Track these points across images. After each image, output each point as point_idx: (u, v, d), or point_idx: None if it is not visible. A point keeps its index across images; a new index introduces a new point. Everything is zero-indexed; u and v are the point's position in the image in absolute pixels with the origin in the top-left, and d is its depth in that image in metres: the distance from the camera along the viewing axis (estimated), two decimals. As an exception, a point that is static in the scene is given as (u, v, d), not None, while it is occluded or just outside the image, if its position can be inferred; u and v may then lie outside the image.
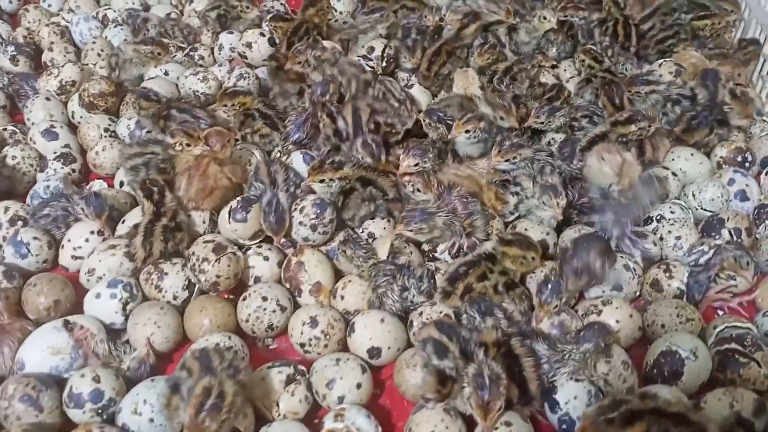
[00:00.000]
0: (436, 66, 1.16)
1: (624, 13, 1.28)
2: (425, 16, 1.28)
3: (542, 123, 1.07)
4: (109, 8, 1.40)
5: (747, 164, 1.04)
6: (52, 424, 0.76)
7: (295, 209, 0.94)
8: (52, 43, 1.32)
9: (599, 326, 0.78)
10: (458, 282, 0.86)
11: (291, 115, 1.06)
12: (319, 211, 0.92)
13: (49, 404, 0.76)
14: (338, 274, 0.92)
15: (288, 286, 0.90)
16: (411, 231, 0.89)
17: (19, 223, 0.97)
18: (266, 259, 0.92)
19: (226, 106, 1.09)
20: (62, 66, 1.21)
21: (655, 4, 1.31)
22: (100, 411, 0.76)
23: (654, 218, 0.96)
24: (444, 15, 1.29)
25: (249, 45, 1.25)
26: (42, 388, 0.77)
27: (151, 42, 1.24)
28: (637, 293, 0.89)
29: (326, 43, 1.21)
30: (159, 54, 1.23)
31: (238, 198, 0.95)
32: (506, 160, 0.97)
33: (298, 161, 1.03)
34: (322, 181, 0.95)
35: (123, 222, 0.97)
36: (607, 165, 0.95)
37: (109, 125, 1.13)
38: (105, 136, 1.12)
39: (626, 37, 1.23)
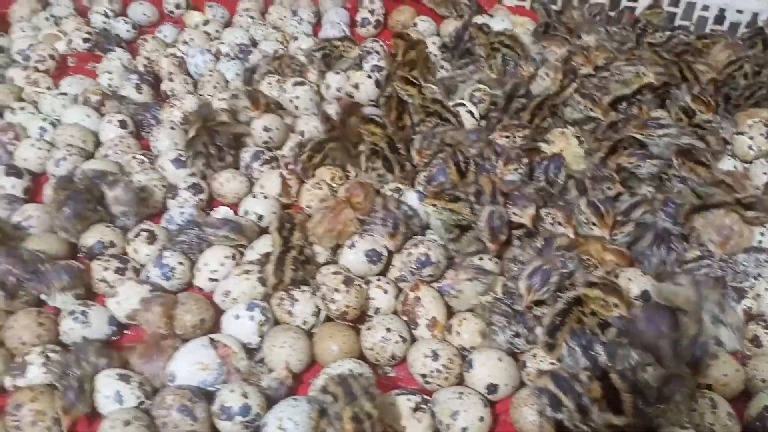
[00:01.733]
0: (539, 119, 1.23)
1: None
2: (521, 67, 1.37)
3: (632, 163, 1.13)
4: (222, 43, 1.51)
5: None
6: (203, 434, 0.84)
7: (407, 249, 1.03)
8: (170, 73, 1.43)
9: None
10: (558, 333, 0.92)
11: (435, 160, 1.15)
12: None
13: (201, 415, 0.84)
14: (449, 311, 1.00)
15: (405, 318, 0.98)
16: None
17: (156, 243, 1.07)
18: (385, 292, 1.00)
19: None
20: (183, 98, 1.32)
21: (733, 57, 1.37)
22: (247, 424, 0.84)
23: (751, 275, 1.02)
24: (539, 67, 1.37)
25: (356, 86, 1.35)
26: (196, 400, 0.85)
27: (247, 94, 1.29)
28: (739, 348, 0.95)
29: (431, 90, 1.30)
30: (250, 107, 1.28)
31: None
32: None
33: (412, 199, 1.11)
34: (434, 205, 1.03)
35: (252, 248, 1.06)
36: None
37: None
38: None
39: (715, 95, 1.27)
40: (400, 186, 1.14)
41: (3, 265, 0.96)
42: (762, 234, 1.05)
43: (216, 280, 1.03)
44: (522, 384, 0.91)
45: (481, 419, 0.85)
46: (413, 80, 1.26)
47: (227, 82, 1.42)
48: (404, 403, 0.85)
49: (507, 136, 1.18)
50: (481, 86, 1.32)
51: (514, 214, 1.01)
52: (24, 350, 0.92)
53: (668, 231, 1.04)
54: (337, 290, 0.96)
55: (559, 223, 1.03)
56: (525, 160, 1.12)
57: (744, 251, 1.02)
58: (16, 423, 0.83)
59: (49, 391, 0.86)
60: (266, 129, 1.25)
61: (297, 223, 1.04)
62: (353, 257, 1.01)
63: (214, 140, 1.19)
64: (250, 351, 0.94)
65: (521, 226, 1.03)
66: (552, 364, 0.90)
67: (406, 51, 1.41)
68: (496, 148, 1.15)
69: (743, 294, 0.98)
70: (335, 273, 0.98)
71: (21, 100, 1.37)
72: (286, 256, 1.00)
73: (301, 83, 1.33)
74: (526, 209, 1.00)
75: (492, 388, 0.89)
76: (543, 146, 1.20)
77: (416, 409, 0.85)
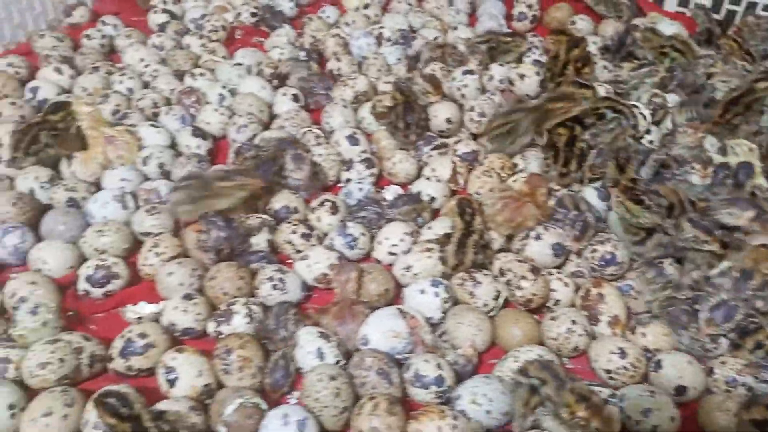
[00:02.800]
0: (730, 115, 1.19)
1: None
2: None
3: None
4: (383, 27, 1.55)
5: None
6: (397, 397, 0.88)
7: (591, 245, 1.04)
8: (335, 53, 1.48)
9: None
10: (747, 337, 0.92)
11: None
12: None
13: (395, 380, 0.88)
14: (629, 310, 1.00)
15: (585, 313, 0.99)
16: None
17: (338, 214, 1.12)
18: (566, 285, 1.01)
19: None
20: (356, 78, 1.37)
21: None
22: (440, 394, 0.87)
23: None
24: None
25: (522, 77, 1.35)
26: (392, 365, 0.89)
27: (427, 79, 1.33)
28: None
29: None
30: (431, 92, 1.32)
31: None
32: None
33: (591, 196, 1.11)
34: (618, 197, 1.04)
35: (429, 228, 1.10)
36: None
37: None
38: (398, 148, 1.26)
39: None
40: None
41: (222, 232, 1.03)
42: None
43: (395, 254, 1.07)
44: (707, 390, 0.91)
45: (672, 419, 0.85)
46: (586, 84, 1.25)
47: (389, 66, 1.46)
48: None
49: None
50: (658, 91, 1.31)
51: (729, 214, 1.00)
52: (225, 300, 0.98)
53: None
54: (524, 278, 0.98)
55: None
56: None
57: None
58: (225, 367, 0.89)
59: (254, 340, 0.92)
60: (449, 120, 1.28)
61: (477, 208, 1.06)
62: (538, 248, 1.03)
63: (406, 115, 1.23)
64: (432, 326, 0.98)
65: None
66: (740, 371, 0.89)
67: (570, 49, 1.40)
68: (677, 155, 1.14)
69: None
70: (521, 261, 1.00)
71: (197, 66, 1.45)
72: (468, 239, 1.02)
73: (470, 72, 1.35)
74: (744, 212, 0.98)
75: (681, 390, 0.89)
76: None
77: (605, 402, 0.86)
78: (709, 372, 0.91)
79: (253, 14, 1.60)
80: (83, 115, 1.17)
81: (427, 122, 1.28)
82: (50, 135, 1.16)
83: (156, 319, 0.97)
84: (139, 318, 0.97)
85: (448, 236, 1.05)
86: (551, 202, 1.09)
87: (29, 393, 0.86)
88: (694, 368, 0.90)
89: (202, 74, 1.40)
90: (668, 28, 1.50)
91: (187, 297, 0.96)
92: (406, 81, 1.32)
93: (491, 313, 1.00)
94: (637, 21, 1.58)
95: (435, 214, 1.15)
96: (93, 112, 1.17)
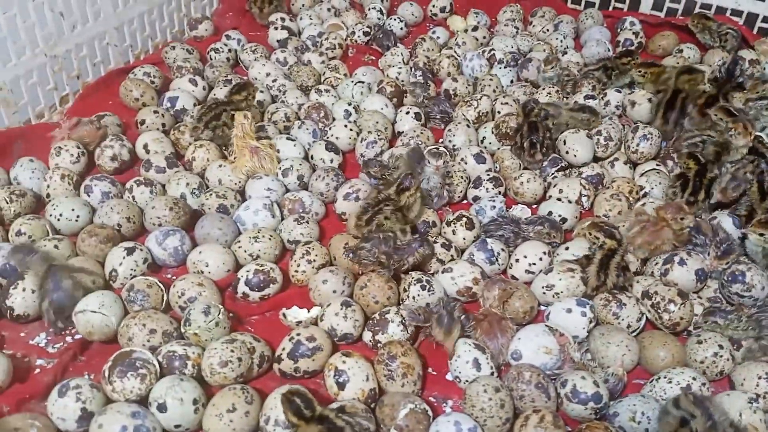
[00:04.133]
0: None
1: None
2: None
3: None
4: (494, 49, 1.60)
5: None
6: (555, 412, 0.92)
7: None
8: (449, 74, 1.54)
9: None
10: None
11: None
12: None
13: (552, 395, 0.92)
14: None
15: (726, 338, 1.02)
16: None
17: (474, 230, 1.16)
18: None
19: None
20: (480, 98, 1.42)
21: None
22: (597, 411, 0.91)
23: None
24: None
25: (633, 104, 1.39)
26: (549, 380, 0.93)
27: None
28: None
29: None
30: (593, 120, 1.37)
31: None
32: None
33: (727, 223, 1.14)
34: (762, 234, 1.06)
35: (567, 249, 1.13)
36: None
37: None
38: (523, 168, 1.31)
39: None
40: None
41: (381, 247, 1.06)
42: None
43: (532, 272, 1.11)
44: None
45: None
46: (733, 111, 1.27)
47: (503, 87, 1.51)
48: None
49: None
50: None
51: None
52: (376, 309, 1.03)
53: None
54: (672, 302, 1.01)
55: None
56: None
57: None
58: (389, 372, 0.93)
59: (414, 349, 0.96)
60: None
61: (617, 232, 1.10)
62: (682, 273, 1.06)
63: (531, 135, 1.28)
64: (578, 344, 1.01)
65: None
66: None
67: (679, 75, 1.42)
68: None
69: None
70: (668, 285, 1.04)
71: (320, 82, 1.52)
72: (611, 261, 1.06)
73: (592, 97, 1.39)
74: None
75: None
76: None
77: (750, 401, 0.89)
78: None
79: (366, 33, 1.66)
80: (238, 125, 1.24)
81: (553, 142, 1.32)
82: (230, 116, 1.29)
83: (314, 322, 1.02)
84: (298, 322, 1.02)
85: (588, 258, 1.09)
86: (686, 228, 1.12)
87: (207, 389, 0.92)
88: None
89: (327, 90, 1.47)
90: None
91: (346, 304, 1.01)
92: (529, 101, 1.36)
93: (633, 335, 1.03)
94: (743, 53, 1.61)
95: (566, 235, 1.20)
96: (247, 123, 1.23)
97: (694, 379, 0.93)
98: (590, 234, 1.11)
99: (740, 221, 1.14)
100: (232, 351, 0.92)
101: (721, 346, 0.97)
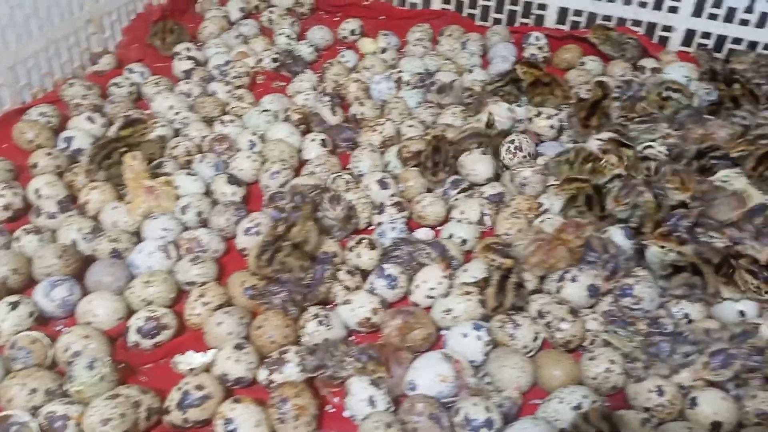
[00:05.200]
0: (763, 168, 1.23)
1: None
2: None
3: None
4: (401, 71, 1.60)
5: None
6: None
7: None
8: (357, 98, 1.53)
9: None
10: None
11: None
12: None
13: (446, 425, 0.91)
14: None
15: (619, 352, 1.03)
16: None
17: (376, 249, 1.16)
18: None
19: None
20: (384, 123, 1.42)
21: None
22: (490, 438, 0.91)
23: None
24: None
25: (538, 114, 1.42)
26: (442, 410, 0.92)
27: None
28: None
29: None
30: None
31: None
32: None
33: (617, 236, 1.16)
34: (662, 246, 1.09)
35: (465, 271, 1.14)
36: None
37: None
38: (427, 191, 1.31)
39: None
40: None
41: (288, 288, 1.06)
42: None
43: (433, 297, 1.11)
44: (741, 424, 0.95)
45: (709, 454, 0.89)
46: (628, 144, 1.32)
47: (410, 109, 1.51)
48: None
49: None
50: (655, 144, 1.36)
51: (752, 248, 1.06)
52: (272, 348, 1.01)
53: None
54: (564, 320, 1.02)
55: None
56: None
57: None
58: (281, 416, 0.91)
59: (308, 389, 0.94)
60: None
61: (511, 250, 1.11)
62: (574, 290, 1.08)
63: (434, 155, 1.30)
64: (474, 368, 1.01)
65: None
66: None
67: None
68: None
69: None
70: (559, 303, 1.05)
71: (225, 113, 1.49)
72: (507, 281, 1.07)
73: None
74: (765, 248, 1.05)
75: (716, 425, 0.93)
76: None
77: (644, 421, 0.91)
78: (742, 407, 0.96)
79: (275, 59, 1.65)
80: (127, 167, 1.20)
81: (455, 162, 1.33)
82: (121, 153, 1.25)
83: (206, 368, 0.99)
84: (191, 369, 0.99)
85: (486, 279, 1.09)
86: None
87: (91, 449, 0.88)
88: (728, 404, 0.94)
89: (231, 121, 1.44)
90: (677, 70, 1.57)
91: (238, 347, 0.99)
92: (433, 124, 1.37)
93: (529, 354, 1.04)
94: (644, 62, 1.66)
95: (467, 256, 1.20)
96: (137, 164, 1.20)
97: (585, 397, 0.94)
98: (486, 256, 1.12)
99: (631, 233, 1.16)
100: (114, 407, 0.89)
101: (612, 361, 0.99)
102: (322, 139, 1.40)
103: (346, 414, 0.97)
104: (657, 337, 0.97)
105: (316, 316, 1.04)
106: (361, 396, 0.94)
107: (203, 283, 1.09)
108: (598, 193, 1.21)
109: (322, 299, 1.09)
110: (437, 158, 1.30)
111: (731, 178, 1.23)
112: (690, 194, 1.19)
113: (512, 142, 1.35)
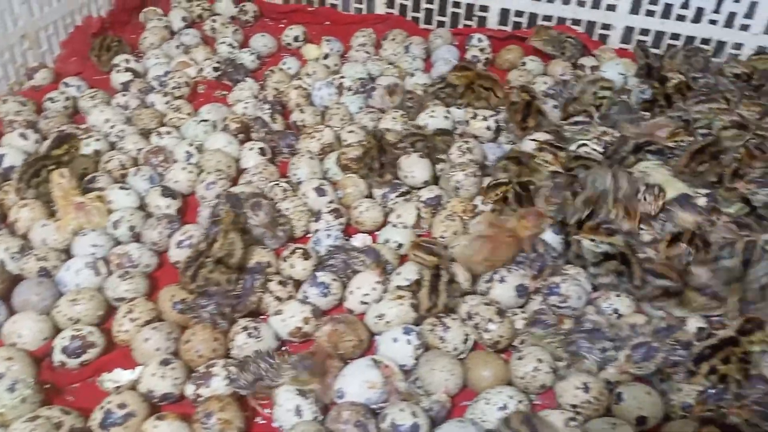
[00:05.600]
0: (695, 163, 1.27)
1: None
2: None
3: None
4: (343, 77, 1.60)
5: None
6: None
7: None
8: (298, 105, 1.53)
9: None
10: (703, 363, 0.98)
11: None
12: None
13: (373, 431, 0.91)
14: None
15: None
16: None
17: (310, 260, 1.15)
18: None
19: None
20: (322, 130, 1.41)
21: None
22: (417, 442, 0.91)
23: None
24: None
25: (474, 116, 1.43)
26: (368, 417, 0.92)
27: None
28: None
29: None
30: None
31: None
32: None
33: (547, 234, 1.17)
34: (592, 240, 1.10)
35: (398, 274, 1.14)
36: None
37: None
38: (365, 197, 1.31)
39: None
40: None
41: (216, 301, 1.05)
42: None
43: (367, 303, 1.11)
44: (667, 417, 0.97)
45: (634, 450, 0.90)
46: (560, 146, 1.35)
47: (351, 114, 1.51)
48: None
49: None
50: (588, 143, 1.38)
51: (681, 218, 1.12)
52: (200, 363, 1.00)
53: None
54: (491, 320, 1.03)
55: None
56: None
57: None
58: (206, 430, 0.90)
59: (234, 402, 0.94)
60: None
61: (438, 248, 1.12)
62: (503, 291, 1.08)
63: (380, 157, 1.29)
64: (405, 372, 1.01)
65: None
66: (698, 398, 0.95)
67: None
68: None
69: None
70: (487, 304, 1.05)
71: (163, 124, 1.48)
72: (439, 280, 1.07)
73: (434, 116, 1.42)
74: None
75: (641, 420, 0.94)
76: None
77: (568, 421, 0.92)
78: (668, 400, 0.97)
79: (216, 68, 1.64)
80: (56, 185, 1.18)
81: (395, 165, 1.33)
82: (51, 171, 1.23)
83: (133, 385, 0.98)
84: (118, 386, 0.98)
85: (418, 282, 1.09)
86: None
87: (10, 473, 0.87)
88: (652, 398, 0.96)
89: (168, 132, 1.43)
90: (613, 67, 1.59)
91: (164, 362, 0.98)
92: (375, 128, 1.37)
93: (461, 356, 1.04)
94: (583, 60, 1.68)
95: (402, 259, 1.20)
96: (65, 182, 1.18)
97: (511, 397, 0.94)
98: (415, 255, 1.13)
99: (560, 228, 1.17)
100: (34, 429, 0.87)
101: (540, 360, 0.99)
102: (261, 148, 1.39)
103: (274, 425, 0.96)
104: (576, 334, 0.98)
105: (245, 328, 1.03)
106: (287, 406, 0.94)
107: (132, 299, 1.08)
108: (526, 190, 1.22)
109: (253, 310, 1.09)
110: (383, 159, 1.30)
111: (650, 169, 1.25)
112: (638, 221, 1.19)
113: (467, 142, 1.37)
